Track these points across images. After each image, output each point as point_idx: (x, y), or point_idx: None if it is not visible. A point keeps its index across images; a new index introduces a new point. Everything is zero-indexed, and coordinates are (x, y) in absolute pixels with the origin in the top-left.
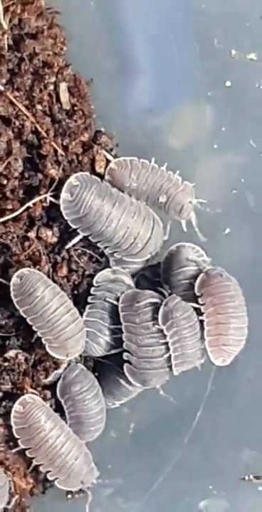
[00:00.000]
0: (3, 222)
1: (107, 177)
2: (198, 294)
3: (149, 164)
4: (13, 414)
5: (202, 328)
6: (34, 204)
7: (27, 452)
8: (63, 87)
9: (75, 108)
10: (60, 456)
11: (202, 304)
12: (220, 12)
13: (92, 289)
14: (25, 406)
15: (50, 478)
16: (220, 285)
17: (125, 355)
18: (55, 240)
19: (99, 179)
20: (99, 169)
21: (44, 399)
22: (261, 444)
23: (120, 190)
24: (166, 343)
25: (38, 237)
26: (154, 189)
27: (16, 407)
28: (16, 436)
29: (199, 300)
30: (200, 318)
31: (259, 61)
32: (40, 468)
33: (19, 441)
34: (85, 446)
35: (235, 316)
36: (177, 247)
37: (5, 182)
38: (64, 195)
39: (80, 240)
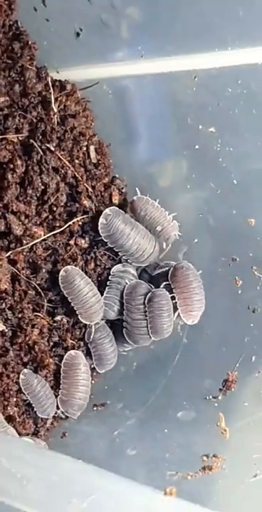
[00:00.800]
0: (54, 235)
1: (129, 205)
2: (170, 282)
3: (155, 202)
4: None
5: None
6: (73, 223)
7: None
8: (92, 148)
9: (99, 162)
10: None
11: (174, 288)
12: (190, 103)
13: (109, 277)
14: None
15: None
16: (182, 274)
17: (124, 324)
18: (86, 245)
19: (123, 211)
20: (114, 201)
21: (78, 346)
22: (216, 375)
23: (134, 215)
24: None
25: (76, 244)
26: (154, 220)
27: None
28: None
29: (172, 285)
30: (172, 295)
31: (216, 132)
32: None
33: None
34: None
35: (195, 293)
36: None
37: (55, 209)
38: (101, 220)
39: (103, 246)
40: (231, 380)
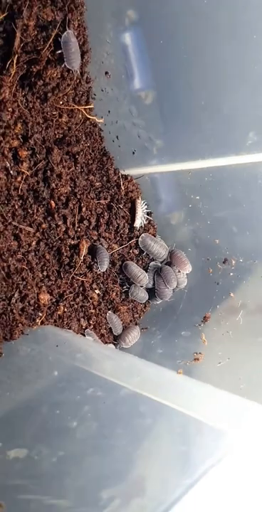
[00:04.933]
0: (122, 248)
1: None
2: (171, 258)
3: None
4: None
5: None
6: (131, 242)
7: None
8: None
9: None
10: None
11: (173, 263)
12: (196, 184)
13: (148, 267)
14: None
15: None
16: (176, 254)
17: (156, 290)
18: (137, 252)
19: (150, 235)
20: (150, 231)
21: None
22: (200, 314)
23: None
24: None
25: (133, 253)
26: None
27: None
28: None
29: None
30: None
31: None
32: None
33: None
34: None
35: (185, 262)
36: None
37: (123, 235)
38: (140, 240)
39: (142, 253)
40: (207, 316)
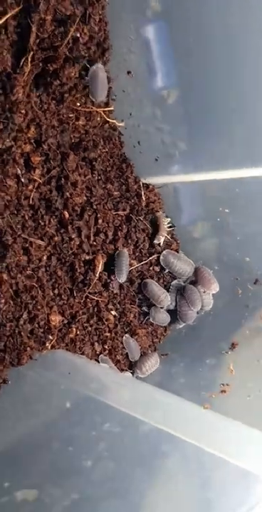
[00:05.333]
0: (142, 264)
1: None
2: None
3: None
4: None
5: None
6: (152, 258)
7: None
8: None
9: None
10: None
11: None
12: (224, 195)
13: (170, 286)
14: None
15: None
16: (202, 272)
17: (178, 312)
18: (158, 270)
19: (173, 251)
20: (172, 247)
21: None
22: (227, 340)
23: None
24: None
25: (153, 269)
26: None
27: None
28: None
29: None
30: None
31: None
32: None
33: None
34: None
35: (212, 281)
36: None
37: (143, 251)
38: (161, 257)
39: (164, 270)
40: (235, 343)
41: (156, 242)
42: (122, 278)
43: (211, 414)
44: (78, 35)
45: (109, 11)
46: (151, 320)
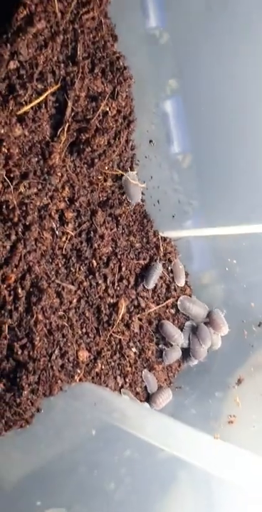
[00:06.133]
0: (159, 308)
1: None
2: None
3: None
4: None
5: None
6: (168, 302)
7: None
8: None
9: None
10: None
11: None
12: (232, 248)
13: (184, 326)
14: None
15: None
16: (213, 316)
17: (190, 350)
18: (173, 312)
19: (188, 297)
20: (186, 292)
21: None
22: (233, 376)
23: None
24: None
25: (170, 312)
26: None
27: None
28: None
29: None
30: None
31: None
32: None
33: None
34: None
35: (221, 324)
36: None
37: (160, 295)
38: (178, 302)
39: (179, 312)
40: (241, 378)
41: (178, 284)
42: (150, 285)
43: (220, 443)
44: (108, 109)
45: (135, 88)
46: (167, 364)
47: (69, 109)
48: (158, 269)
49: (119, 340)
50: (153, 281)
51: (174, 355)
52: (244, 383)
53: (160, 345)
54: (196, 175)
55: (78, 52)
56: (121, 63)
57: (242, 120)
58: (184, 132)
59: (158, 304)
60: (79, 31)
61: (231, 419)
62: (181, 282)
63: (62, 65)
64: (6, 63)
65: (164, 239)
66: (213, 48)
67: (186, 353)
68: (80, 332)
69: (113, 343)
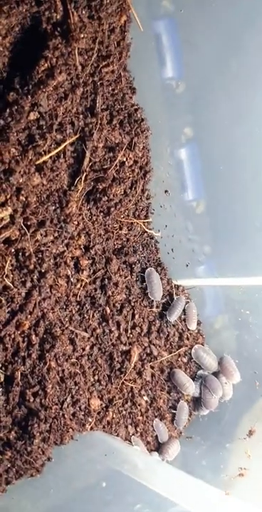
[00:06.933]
0: (171, 356)
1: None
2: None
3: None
4: None
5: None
6: (180, 350)
7: None
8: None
9: None
10: None
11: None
12: (246, 299)
13: (196, 375)
14: None
15: None
16: (224, 364)
17: (201, 399)
18: (185, 361)
19: (204, 347)
20: (198, 341)
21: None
22: (244, 427)
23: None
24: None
25: (182, 361)
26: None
27: None
28: None
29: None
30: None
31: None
32: None
33: None
34: None
35: (232, 372)
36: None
37: (172, 343)
38: (193, 351)
39: (191, 361)
40: (252, 430)
41: (190, 328)
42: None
43: (232, 499)
44: (125, 159)
45: (151, 138)
46: (180, 428)
47: (87, 159)
48: (181, 302)
49: (131, 388)
50: (176, 314)
51: (183, 418)
52: (255, 435)
53: (172, 393)
54: (209, 223)
55: (97, 104)
56: (139, 115)
57: (256, 167)
58: (199, 179)
59: (170, 353)
60: (98, 84)
61: (242, 472)
62: (192, 326)
63: (81, 116)
64: (26, 114)
65: (177, 287)
66: (228, 96)
67: (198, 402)
68: (92, 379)
69: (125, 391)
